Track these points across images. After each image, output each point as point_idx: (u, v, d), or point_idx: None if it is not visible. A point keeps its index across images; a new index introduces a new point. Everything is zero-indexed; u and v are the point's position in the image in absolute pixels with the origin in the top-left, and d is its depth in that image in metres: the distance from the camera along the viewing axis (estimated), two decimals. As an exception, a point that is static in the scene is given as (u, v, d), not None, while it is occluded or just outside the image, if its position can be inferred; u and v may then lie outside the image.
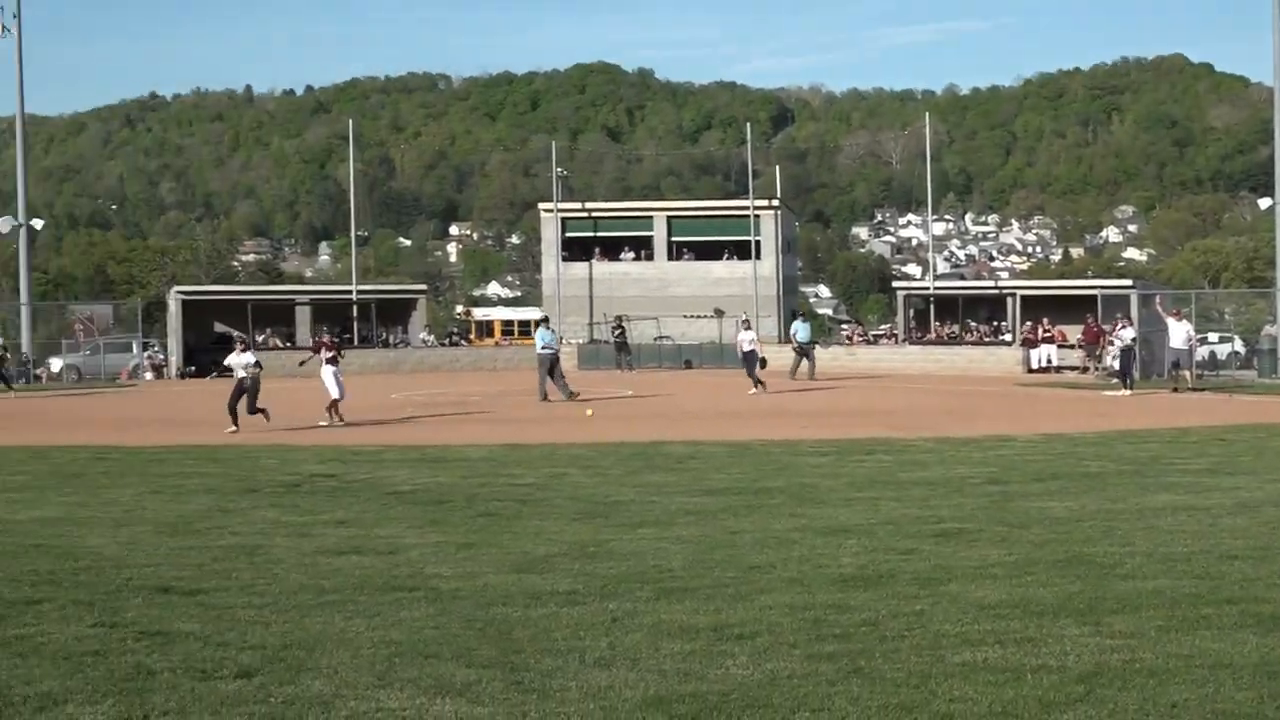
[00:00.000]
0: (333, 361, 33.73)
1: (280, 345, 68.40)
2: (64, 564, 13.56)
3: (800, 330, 53.64)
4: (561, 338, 56.00)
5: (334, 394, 32.99)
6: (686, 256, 77.81)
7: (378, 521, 16.46)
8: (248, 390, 30.95)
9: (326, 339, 34.51)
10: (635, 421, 32.98)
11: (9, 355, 53.86)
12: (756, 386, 43.33)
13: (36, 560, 13.81)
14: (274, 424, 31.23)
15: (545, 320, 45.23)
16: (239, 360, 31.32)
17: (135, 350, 68.08)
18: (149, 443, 27.68)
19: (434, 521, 16.39)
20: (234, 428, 30.35)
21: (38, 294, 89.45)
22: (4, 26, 66.64)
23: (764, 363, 45.37)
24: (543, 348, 41.32)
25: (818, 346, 58.45)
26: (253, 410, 31.03)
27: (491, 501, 18.14)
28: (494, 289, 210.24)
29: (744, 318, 50.42)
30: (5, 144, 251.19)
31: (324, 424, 32.29)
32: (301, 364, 37.47)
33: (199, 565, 13.48)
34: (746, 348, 45.15)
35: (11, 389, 49.70)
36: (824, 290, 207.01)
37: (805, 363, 51.75)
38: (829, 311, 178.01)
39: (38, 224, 75.71)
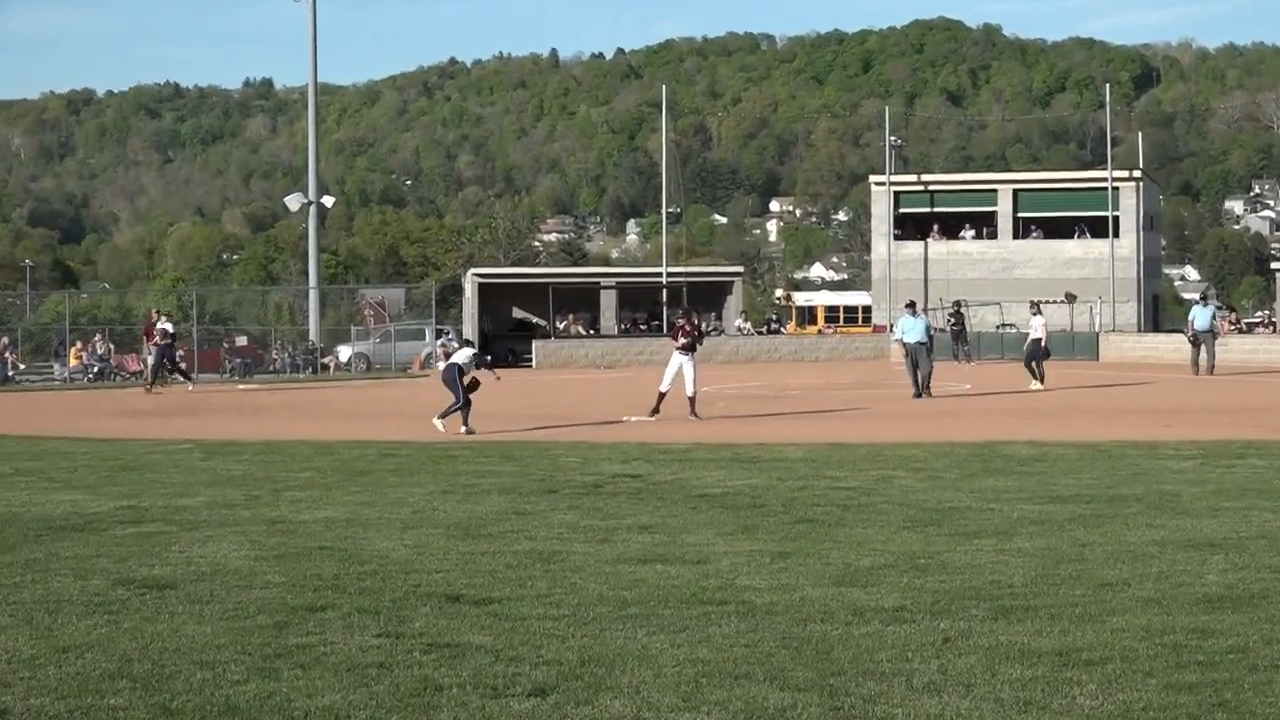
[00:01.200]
0: (686, 350, 32.61)
1: (583, 333, 69.41)
2: (349, 569, 13.94)
3: (1199, 316, 52.30)
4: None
5: (663, 385, 32.68)
6: (1034, 234, 76.89)
7: (685, 527, 16.56)
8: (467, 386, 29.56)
9: (684, 323, 33.31)
10: (972, 419, 32.72)
11: (177, 341, 53.42)
12: (1035, 380, 43.14)
13: (320, 564, 14.22)
14: (577, 420, 31.54)
15: (912, 305, 43.45)
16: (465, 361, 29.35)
17: (428, 337, 69.46)
18: (439, 438, 28.26)
19: (747, 528, 16.44)
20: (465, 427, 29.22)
21: (327, 276, 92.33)
22: (297, -9, 68.92)
23: (1047, 353, 44.68)
24: (913, 338, 40.03)
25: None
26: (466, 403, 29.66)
27: (811, 507, 18.13)
28: (817, 271, 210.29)
29: (1035, 303, 49.30)
30: (297, 116, 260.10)
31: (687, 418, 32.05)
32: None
33: (491, 572, 13.73)
34: (1035, 335, 44.56)
35: (190, 381, 50.84)
36: (1191, 272, 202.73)
37: (1203, 354, 50.54)
38: (1194, 296, 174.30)
39: (328, 201, 78.15)
